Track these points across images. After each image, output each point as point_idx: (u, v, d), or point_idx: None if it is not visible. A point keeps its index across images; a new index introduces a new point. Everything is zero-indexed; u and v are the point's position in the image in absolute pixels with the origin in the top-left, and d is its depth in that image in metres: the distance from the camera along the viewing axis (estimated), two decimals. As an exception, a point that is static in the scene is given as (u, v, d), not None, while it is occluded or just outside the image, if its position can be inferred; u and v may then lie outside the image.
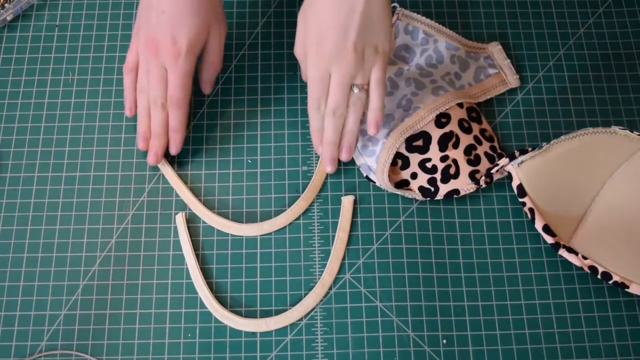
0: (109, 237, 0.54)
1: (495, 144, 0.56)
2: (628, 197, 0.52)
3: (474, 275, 0.53)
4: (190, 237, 0.53)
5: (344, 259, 0.53)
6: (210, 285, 0.52)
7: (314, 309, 0.52)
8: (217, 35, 0.53)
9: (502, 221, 0.55)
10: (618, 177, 0.52)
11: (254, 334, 0.51)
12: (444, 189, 0.54)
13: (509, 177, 0.53)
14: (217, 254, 0.53)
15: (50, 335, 0.51)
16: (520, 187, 0.53)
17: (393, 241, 0.54)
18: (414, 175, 0.54)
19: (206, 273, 0.53)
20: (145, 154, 0.55)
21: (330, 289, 0.52)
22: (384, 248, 0.54)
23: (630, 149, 0.52)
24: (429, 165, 0.54)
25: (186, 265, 0.53)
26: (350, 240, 0.54)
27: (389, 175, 0.53)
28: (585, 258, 0.51)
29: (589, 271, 0.51)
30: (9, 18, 0.61)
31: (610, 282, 0.51)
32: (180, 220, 0.54)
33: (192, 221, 0.54)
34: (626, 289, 0.50)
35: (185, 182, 0.55)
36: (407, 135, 0.53)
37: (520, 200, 0.53)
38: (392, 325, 0.51)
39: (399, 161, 0.55)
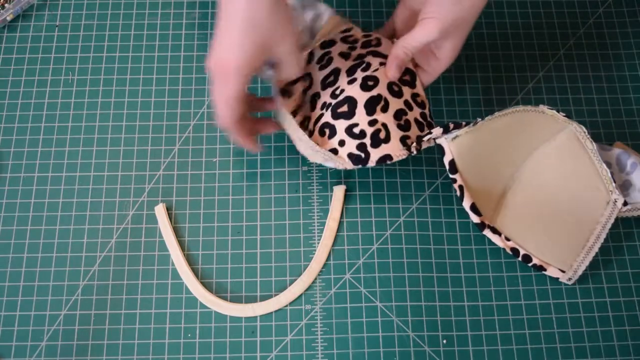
0: (109, 237, 0.54)
1: (427, 110, 0.54)
2: (543, 176, 0.52)
3: (474, 276, 0.53)
4: (176, 227, 0.53)
5: (343, 258, 0.53)
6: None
7: (300, 295, 0.52)
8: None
9: (502, 221, 0.55)
10: (538, 156, 0.52)
11: (254, 333, 0.51)
12: (375, 154, 0.50)
13: (441, 151, 0.51)
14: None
15: (51, 335, 0.51)
16: (452, 162, 0.51)
17: (393, 241, 0.54)
18: (341, 143, 0.51)
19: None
20: (144, 154, 0.55)
21: (317, 276, 0.53)
22: (384, 248, 0.54)
23: (554, 129, 0.52)
24: (356, 130, 0.50)
25: (170, 252, 0.53)
26: (350, 240, 0.54)
27: (318, 145, 0.50)
28: (508, 239, 0.51)
29: (511, 252, 0.51)
30: (9, 18, 0.61)
31: (530, 264, 0.51)
32: (160, 210, 0.54)
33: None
34: (544, 272, 0.51)
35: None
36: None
37: (452, 176, 0.51)
38: (392, 325, 0.51)
39: (327, 130, 0.51)
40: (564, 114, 0.51)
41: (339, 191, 0.55)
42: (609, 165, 0.51)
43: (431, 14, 0.47)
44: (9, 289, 0.52)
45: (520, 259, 0.51)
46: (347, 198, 0.55)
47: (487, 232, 0.51)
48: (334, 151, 0.51)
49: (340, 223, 0.54)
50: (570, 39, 0.62)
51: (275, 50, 0.45)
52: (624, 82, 0.60)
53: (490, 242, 0.54)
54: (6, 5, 0.61)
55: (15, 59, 0.60)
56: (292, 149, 0.57)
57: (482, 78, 0.60)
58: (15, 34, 0.61)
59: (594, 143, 0.50)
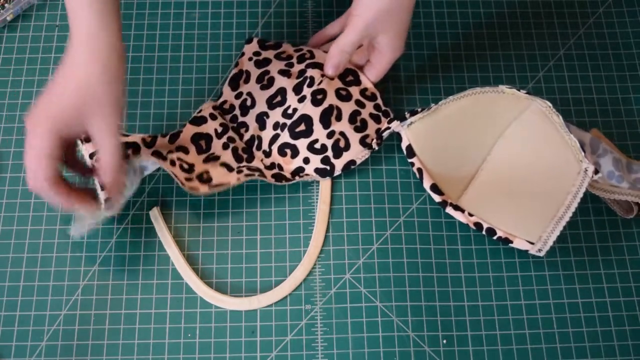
0: (109, 237, 0.54)
1: (379, 101, 0.56)
2: (515, 154, 0.53)
3: (474, 276, 0.53)
4: (174, 227, 0.54)
5: (343, 258, 0.53)
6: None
7: (304, 280, 0.52)
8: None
9: (502, 221, 0.55)
10: (508, 135, 0.53)
11: (254, 333, 0.51)
12: (339, 163, 0.54)
13: (399, 138, 0.54)
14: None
15: (51, 335, 0.51)
16: (409, 147, 0.54)
17: (393, 241, 0.54)
18: (306, 160, 0.54)
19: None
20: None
21: (316, 262, 0.53)
22: (384, 248, 0.54)
23: (518, 107, 0.52)
24: (317, 146, 0.53)
25: (169, 254, 0.53)
26: (350, 240, 0.54)
27: (281, 166, 0.54)
28: (471, 215, 0.52)
29: (474, 227, 0.52)
30: (9, 18, 0.61)
31: (495, 237, 0.51)
32: (155, 214, 0.54)
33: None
34: (510, 244, 0.51)
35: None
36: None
37: (409, 160, 0.54)
38: (392, 325, 0.51)
39: (288, 151, 0.54)
40: (525, 91, 0.51)
41: (324, 182, 0.55)
42: (582, 144, 0.51)
43: (355, 11, 0.51)
44: (9, 289, 0.52)
45: (484, 232, 0.52)
46: (347, 198, 0.55)
47: (449, 210, 0.53)
48: (300, 169, 0.54)
49: (340, 223, 0.54)
50: (570, 39, 0.62)
51: (90, 121, 0.43)
52: (624, 82, 0.60)
53: (491, 242, 0.54)
54: (6, 5, 0.61)
55: (15, 59, 0.60)
56: (292, 149, 0.57)
57: (482, 78, 0.60)
58: (15, 34, 0.61)
59: (560, 116, 0.50)
